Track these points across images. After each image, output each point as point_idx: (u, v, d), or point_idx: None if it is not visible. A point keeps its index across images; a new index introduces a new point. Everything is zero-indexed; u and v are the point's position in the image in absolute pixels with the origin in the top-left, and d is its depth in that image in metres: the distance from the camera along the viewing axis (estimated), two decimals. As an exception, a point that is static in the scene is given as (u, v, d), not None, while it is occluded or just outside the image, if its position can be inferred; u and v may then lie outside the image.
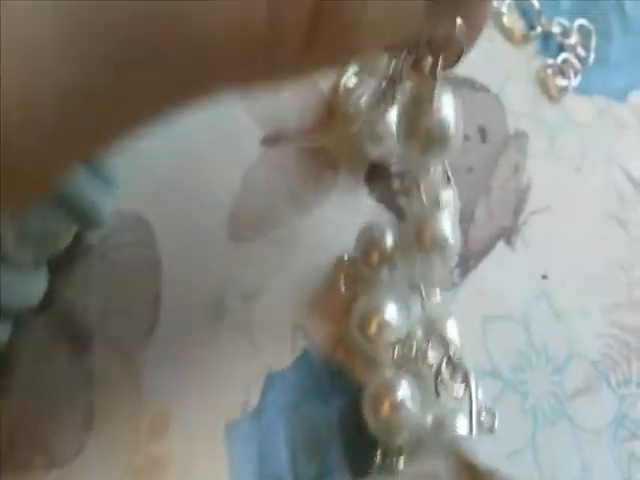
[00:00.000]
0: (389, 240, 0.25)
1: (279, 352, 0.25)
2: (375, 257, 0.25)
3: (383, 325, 0.23)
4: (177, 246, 0.26)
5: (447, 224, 0.23)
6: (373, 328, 0.23)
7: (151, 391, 0.24)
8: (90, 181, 0.22)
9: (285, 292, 0.26)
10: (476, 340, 0.27)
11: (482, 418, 0.23)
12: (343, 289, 0.25)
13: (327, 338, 0.25)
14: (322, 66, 0.13)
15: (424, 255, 0.23)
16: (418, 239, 0.23)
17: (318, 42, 0.12)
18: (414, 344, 0.23)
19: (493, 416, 0.23)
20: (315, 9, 0.11)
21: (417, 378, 0.23)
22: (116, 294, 0.24)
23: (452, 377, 0.22)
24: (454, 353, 0.22)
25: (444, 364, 0.22)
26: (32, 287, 0.22)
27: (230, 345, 0.25)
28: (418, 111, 0.20)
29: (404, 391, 0.22)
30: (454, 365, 0.22)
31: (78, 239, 0.24)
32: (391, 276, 0.25)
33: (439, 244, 0.22)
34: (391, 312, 0.23)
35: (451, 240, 0.23)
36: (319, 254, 0.27)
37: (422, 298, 0.24)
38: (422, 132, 0.20)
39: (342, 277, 0.26)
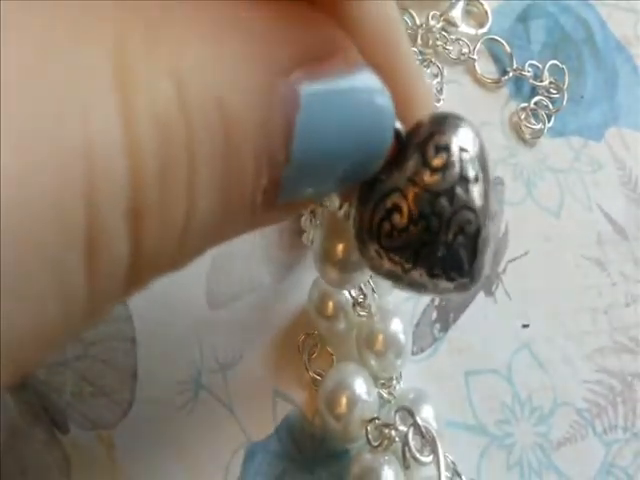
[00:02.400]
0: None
1: (259, 421, 0.25)
2: (330, 307, 0.25)
3: (352, 402, 0.23)
4: (153, 318, 0.25)
5: (399, 325, 0.24)
6: (343, 406, 0.23)
7: (128, 471, 0.23)
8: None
9: (263, 358, 0.26)
10: (460, 395, 0.27)
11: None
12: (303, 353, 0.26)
13: (307, 405, 0.25)
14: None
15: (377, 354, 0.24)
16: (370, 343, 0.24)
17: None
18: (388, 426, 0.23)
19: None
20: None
21: (395, 455, 0.22)
22: (91, 374, 0.24)
23: (421, 448, 0.22)
24: (421, 424, 0.22)
25: (411, 435, 0.22)
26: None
27: (208, 417, 0.25)
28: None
29: (388, 476, 0.22)
30: (422, 435, 0.22)
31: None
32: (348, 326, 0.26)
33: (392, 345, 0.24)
34: (360, 386, 0.23)
35: (402, 339, 0.24)
36: (296, 317, 0.26)
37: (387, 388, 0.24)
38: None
39: (301, 338, 0.26)
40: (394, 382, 0.25)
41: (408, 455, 0.22)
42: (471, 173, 0.15)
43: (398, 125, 0.16)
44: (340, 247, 0.21)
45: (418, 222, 0.15)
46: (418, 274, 0.16)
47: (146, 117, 0.11)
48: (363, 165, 0.15)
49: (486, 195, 0.16)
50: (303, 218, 0.27)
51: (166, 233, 0.12)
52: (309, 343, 0.26)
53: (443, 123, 0.16)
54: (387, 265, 0.16)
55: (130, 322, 0.25)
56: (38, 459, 0.23)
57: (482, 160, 0.16)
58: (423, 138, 0.16)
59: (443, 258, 0.16)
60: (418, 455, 0.22)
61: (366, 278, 0.23)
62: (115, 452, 0.24)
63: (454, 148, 0.15)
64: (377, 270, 0.17)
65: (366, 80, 0.14)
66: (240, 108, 0.12)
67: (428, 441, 0.22)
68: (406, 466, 0.22)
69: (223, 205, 0.13)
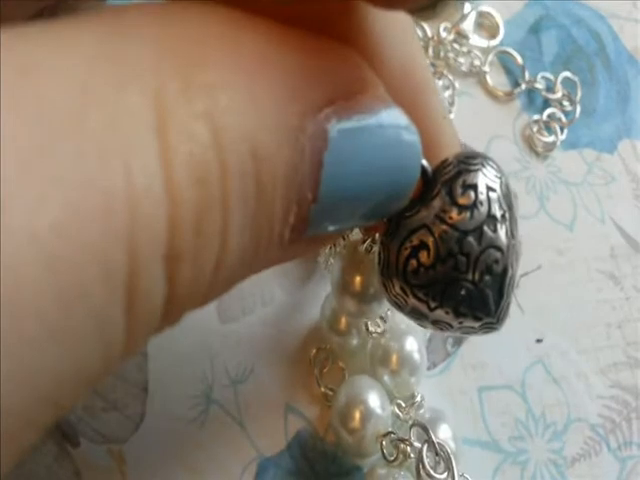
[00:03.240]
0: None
1: (271, 436, 0.25)
2: (342, 323, 0.25)
3: (366, 416, 0.23)
4: (164, 333, 0.25)
5: (414, 344, 0.24)
6: (357, 420, 0.23)
7: (140, 487, 0.23)
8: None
9: (274, 372, 0.26)
10: (473, 411, 0.26)
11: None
12: (314, 367, 0.26)
13: (318, 420, 0.25)
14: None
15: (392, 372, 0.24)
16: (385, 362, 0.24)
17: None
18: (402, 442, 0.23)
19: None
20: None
21: (410, 471, 0.22)
22: (102, 388, 0.24)
23: (435, 464, 0.22)
24: (436, 440, 0.22)
25: (425, 451, 0.22)
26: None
27: (220, 432, 0.25)
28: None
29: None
30: (436, 452, 0.22)
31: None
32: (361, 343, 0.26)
33: (406, 363, 0.24)
34: (374, 401, 0.23)
35: (417, 358, 0.24)
36: (308, 331, 0.26)
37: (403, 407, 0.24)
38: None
39: (313, 352, 0.26)
40: (417, 401, 0.25)
41: (422, 472, 0.22)
42: (498, 212, 0.16)
43: (424, 162, 0.16)
44: (358, 279, 0.21)
45: (445, 260, 0.15)
46: (444, 312, 0.16)
47: (184, 162, 0.11)
48: (390, 202, 0.15)
49: (512, 234, 0.16)
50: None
51: (200, 273, 0.12)
52: (320, 358, 0.26)
53: (470, 162, 0.16)
54: (412, 302, 0.16)
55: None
56: (49, 473, 0.23)
57: (508, 199, 0.16)
58: (450, 176, 0.16)
59: (470, 297, 0.16)
60: (432, 472, 0.22)
61: (384, 310, 0.23)
62: (126, 466, 0.24)
63: (482, 187, 0.16)
64: (401, 308, 0.17)
65: (393, 117, 0.14)
66: (271, 150, 0.12)
67: (442, 458, 0.22)
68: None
69: (253, 243, 0.13)
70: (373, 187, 0.14)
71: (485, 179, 0.16)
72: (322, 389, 0.25)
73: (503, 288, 0.16)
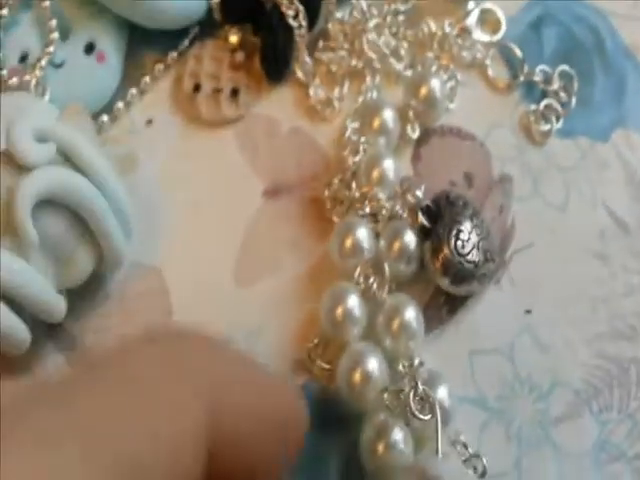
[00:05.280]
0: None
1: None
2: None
3: (366, 377, 0.26)
4: (187, 292, 0.28)
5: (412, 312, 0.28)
6: (357, 380, 0.26)
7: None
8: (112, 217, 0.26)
9: (285, 330, 0.28)
10: (463, 373, 0.29)
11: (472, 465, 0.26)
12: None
13: (324, 373, 0.28)
14: None
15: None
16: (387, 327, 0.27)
17: None
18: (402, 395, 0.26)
19: (481, 461, 0.26)
20: None
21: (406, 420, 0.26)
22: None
23: (420, 408, 0.25)
24: (422, 387, 0.25)
25: (412, 397, 0.25)
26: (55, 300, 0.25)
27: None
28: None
29: (396, 436, 0.25)
30: (421, 397, 0.25)
31: (97, 288, 0.27)
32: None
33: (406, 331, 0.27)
34: (373, 364, 0.26)
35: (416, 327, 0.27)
36: (318, 294, 0.29)
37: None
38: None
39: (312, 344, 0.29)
40: (415, 364, 0.27)
41: (409, 414, 0.25)
42: None
43: None
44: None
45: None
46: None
47: None
48: None
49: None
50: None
51: None
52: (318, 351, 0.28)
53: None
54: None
55: (167, 295, 0.29)
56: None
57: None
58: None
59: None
60: (417, 413, 0.25)
61: None
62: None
63: None
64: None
65: None
66: None
67: (428, 403, 0.25)
68: (406, 423, 0.25)
69: None
70: None
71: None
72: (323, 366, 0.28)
73: None
